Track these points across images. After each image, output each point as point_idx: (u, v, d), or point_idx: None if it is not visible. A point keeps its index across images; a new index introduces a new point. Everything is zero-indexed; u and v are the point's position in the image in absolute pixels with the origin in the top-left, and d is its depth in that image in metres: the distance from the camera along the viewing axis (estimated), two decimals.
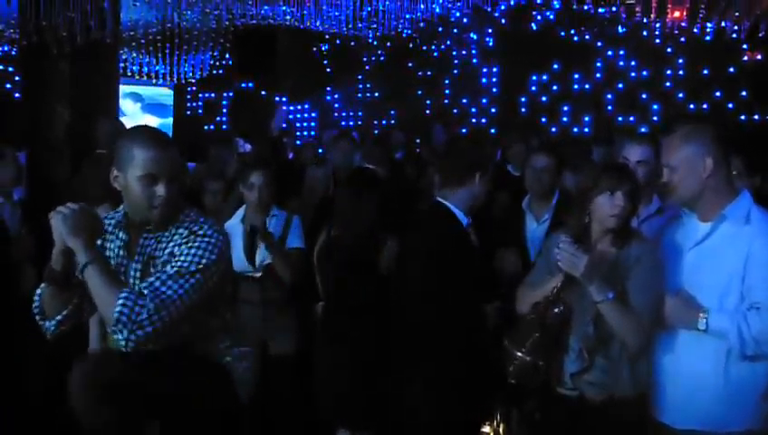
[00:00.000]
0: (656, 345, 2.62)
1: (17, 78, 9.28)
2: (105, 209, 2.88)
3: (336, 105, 12.31)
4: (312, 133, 12.14)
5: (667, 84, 9.20)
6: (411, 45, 10.96)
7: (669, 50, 9.18)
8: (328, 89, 12.36)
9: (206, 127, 12.87)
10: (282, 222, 3.80)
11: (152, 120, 12.60)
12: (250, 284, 3.77)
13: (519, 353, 2.60)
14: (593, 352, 2.57)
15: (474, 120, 10.46)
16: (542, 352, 2.59)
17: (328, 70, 12.22)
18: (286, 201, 4.20)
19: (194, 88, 13.15)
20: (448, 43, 10.97)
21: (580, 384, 2.61)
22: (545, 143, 6.60)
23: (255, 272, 3.76)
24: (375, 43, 11.20)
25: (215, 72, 12.18)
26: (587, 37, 9.74)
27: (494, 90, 10.52)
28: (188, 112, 13.40)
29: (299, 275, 3.70)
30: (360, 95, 11.96)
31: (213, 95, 13.25)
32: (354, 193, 3.47)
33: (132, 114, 12.22)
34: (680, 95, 9.07)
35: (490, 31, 10.61)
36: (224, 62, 12.04)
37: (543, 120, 9.87)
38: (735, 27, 8.34)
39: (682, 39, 8.99)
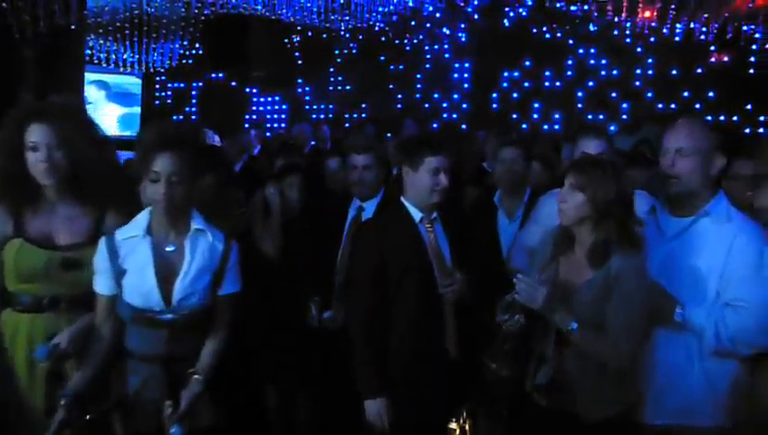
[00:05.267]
0: (642, 360, 2.50)
1: None
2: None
3: (307, 98, 12.21)
4: (283, 126, 12.03)
5: (637, 83, 9.28)
6: (383, 39, 10.91)
7: (639, 49, 9.26)
8: (299, 81, 12.26)
9: (174, 117, 12.67)
10: None
11: (117, 110, 12.39)
12: None
13: (492, 365, 2.54)
14: (555, 370, 2.44)
15: (445, 116, 10.45)
16: (507, 361, 2.52)
17: (299, 62, 12.13)
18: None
19: (163, 77, 12.94)
20: (421, 37, 10.93)
21: (544, 397, 2.50)
22: (516, 138, 6.59)
23: None
24: (347, 35, 11.12)
25: (184, 61, 11.98)
26: (558, 35, 9.78)
27: (466, 85, 10.53)
28: (157, 102, 13.19)
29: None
30: (331, 88, 11.88)
31: (182, 85, 13.06)
32: None
33: (96, 102, 11.98)
34: (649, 94, 9.15)
35: (463, 26, 10.60)
36: (194, 52, 11.86)
37: (515, 116, 9.91)
38: (704, 29, 8.43)
39: (652, 39, 9.07)
